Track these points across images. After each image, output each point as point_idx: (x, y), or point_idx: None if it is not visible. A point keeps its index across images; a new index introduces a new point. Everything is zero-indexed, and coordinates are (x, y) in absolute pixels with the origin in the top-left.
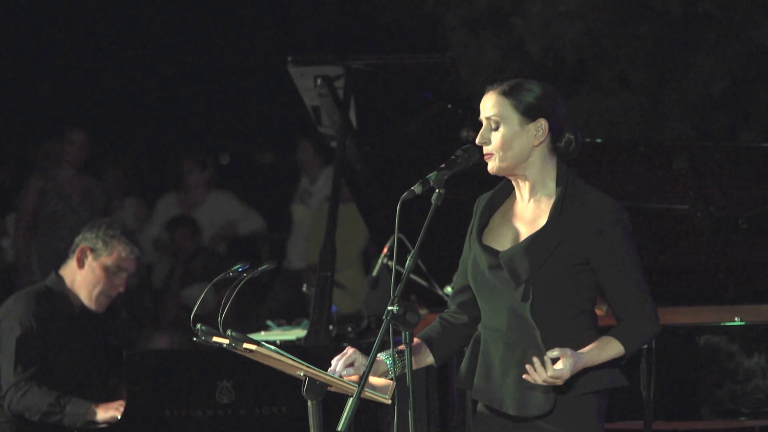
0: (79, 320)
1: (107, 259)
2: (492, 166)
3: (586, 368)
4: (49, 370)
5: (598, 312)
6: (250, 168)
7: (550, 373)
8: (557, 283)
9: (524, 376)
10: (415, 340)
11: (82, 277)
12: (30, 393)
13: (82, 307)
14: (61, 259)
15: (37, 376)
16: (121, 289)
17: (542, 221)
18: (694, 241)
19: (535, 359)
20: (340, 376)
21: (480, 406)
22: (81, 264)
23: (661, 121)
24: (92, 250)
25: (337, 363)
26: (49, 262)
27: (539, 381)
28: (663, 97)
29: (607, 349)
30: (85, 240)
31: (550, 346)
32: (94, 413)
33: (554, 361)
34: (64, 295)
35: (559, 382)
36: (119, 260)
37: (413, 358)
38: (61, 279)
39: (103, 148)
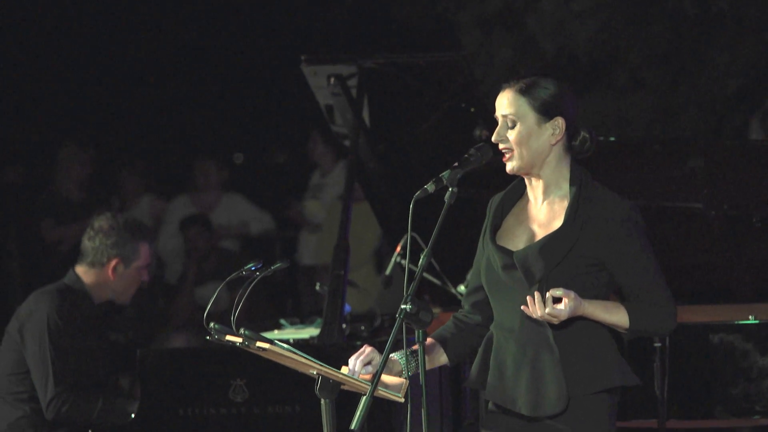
0: (98, 319)
1: (138, 263)
2: (510, 166)
3: (598, 365)
4: (75, 368)
5: None
6: (263, 167)
7: (548, 310)
8: (570, 283)
9: (522, 308)
10: (429, 340)
11: (115, 285)
12: (76, 402)
13: (100, 305)
14: None
15: (76, 381)
16: (146, 278)
17: (557, 222)
18: (708, 239)
19: (537, 293)
20: (357, 375)
21: (491, 405)
22: (114, 275)
23: (675, 120)
24: (122, 260)
25: (355, 361)
26: None
27: (537, 315)
28: (677, 96)
29: (612, 312)
30: (115, 250)
31: (562, 346)
32: None
33: (556, 300)
34: (84, 293)
35: (556, 321)
36: (146, 259)
37: (427, 358)
38: (79, 278)
39: (118, 147)
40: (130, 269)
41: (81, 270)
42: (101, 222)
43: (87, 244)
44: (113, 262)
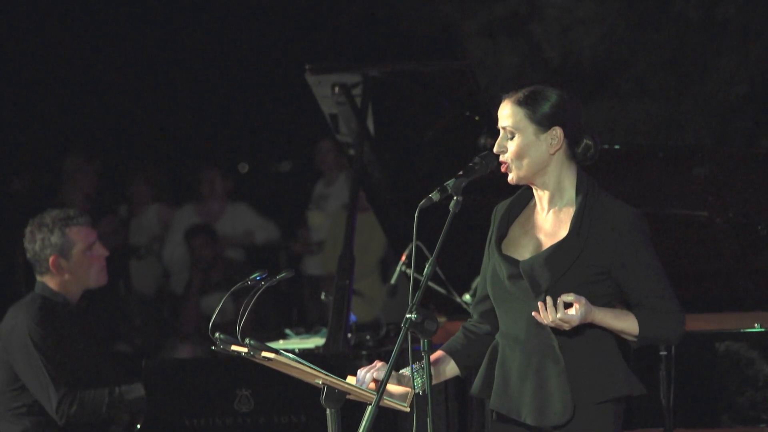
0: (76, 318)
1: (77, 247)
2: (511, 177)
3: (603, 374)
4: (70, 369)
5: None
6: (268, 177)
7: (560, 315)
8: (577, 293)
9: (533, 314)
10: (440, 352)
11: (73, 278)
12: (83, 399)
13: (76, 304)
14: None
15: (76, 380)
16: (106, 253)
17: (563, 232)
18: (713, 247)
19: (548, 298)
20: (366, 386)
21: (496, 415)
22: (62, 270)
23: (680, 127)
24: (61, 255)
25: (365, 374)
26: None
27: (548, 321)
28: (682, 103)
29: (621, 319)
30: (46, 250)
31: (568, 355)
32: None
33: (567, 306)
34: (55, 297)
35: (567, 327)
36: (86, 238)
37: (438, 371)
38: (45, 285)
39: (124, 157)
40: (74, 257)
41: (41, 279)
42: (25, 235)
43: (29, 258)
44: (52, 261)
